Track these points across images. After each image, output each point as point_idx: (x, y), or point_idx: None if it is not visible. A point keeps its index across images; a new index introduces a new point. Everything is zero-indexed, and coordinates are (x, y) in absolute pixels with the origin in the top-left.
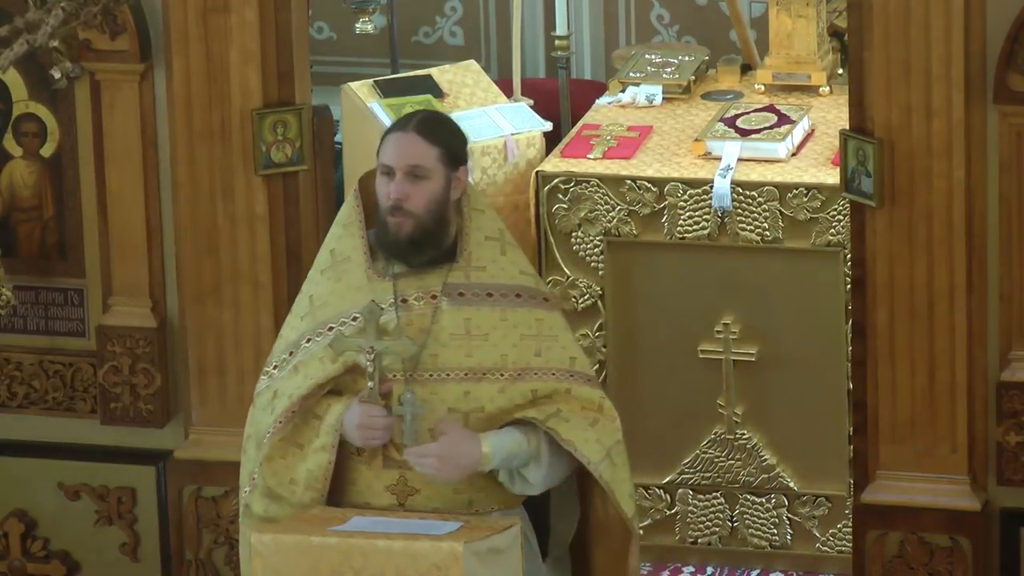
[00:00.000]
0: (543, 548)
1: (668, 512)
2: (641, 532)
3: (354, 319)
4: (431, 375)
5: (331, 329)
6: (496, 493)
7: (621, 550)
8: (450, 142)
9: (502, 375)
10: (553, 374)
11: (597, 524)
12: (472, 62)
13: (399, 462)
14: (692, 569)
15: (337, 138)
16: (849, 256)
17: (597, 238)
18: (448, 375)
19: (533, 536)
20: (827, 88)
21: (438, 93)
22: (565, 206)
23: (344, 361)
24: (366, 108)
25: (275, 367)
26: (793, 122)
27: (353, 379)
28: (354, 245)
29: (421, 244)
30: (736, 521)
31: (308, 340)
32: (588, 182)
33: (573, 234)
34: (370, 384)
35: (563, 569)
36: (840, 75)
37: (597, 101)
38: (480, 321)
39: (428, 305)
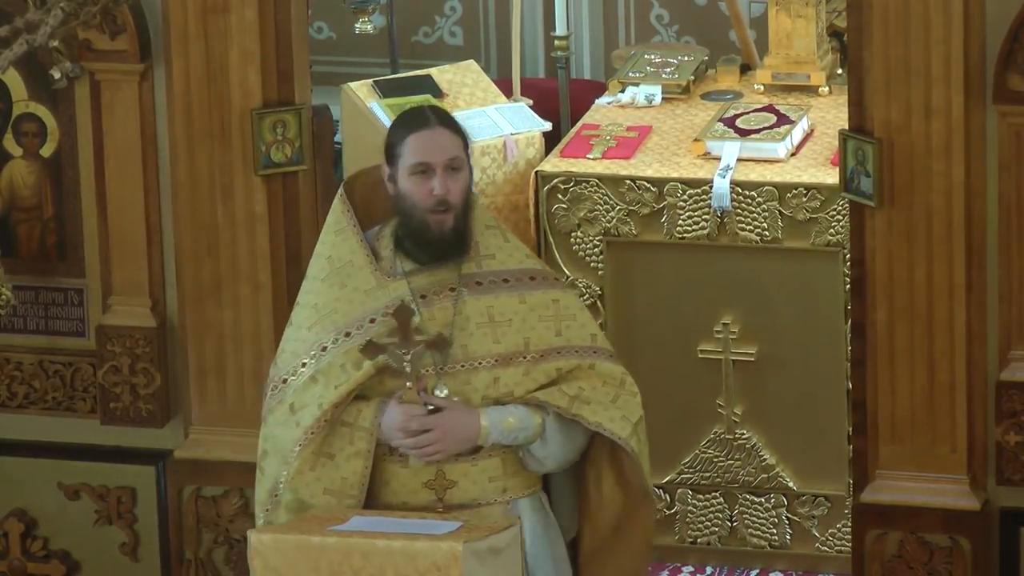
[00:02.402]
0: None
1: (667, 512)
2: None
3: (372, 321)
4: (462, 366)
5: (348, 335)
6: (527, 477)
7: (613, 531)
8: (464, 132)
9: (525, 358)
10: (576, 351)
11: (588, 506)
12: (472, 62)
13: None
14: (691, 569)
15: (337, 138)
16: (848, 256)
17: (597, 238)
18: (479, 364)
19: (553, 516)
20: (826, 88)
21: (438, 93)
22: (565, 206)
23: (375, 364)
24: (366, 108)
25: (284, 380)
26: (792, 122)
27: (379, 380)
28: (352, 249)
29: (462, 235)
30: (735, 521)
31: (324, 349)
32: (588, 182)
33: (573, 234)
34: (408, 384)
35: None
36: (839, 75)
37: (596, 101)
38: (502, 307)
39: (447, 298)
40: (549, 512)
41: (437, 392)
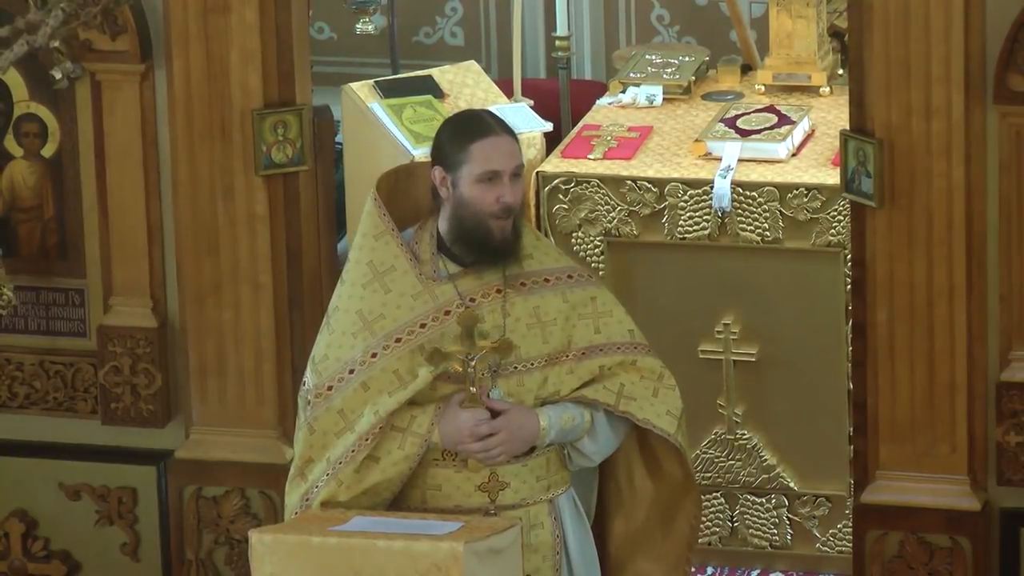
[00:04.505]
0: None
1: None
2: None
3: (422, 326)
4: (515, 367)
5: (398, 340)
6: (564, 475)
7: (653, 519)
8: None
9: (568, 356)
10: (619, 348)
11: (619, 497)
12: (472, 63)
13: None
14: (692, 569)
15: (338, 138)
16: (849, 256)
17: (597, 238)
18: (532, 364)
19: (581, 505)
20: (827, 88)
21: (438, 93)
22: (565, 206)
23: (432, 371)
24: (366, 108)
25: (329, 388)
26: (793, 122)
27: (431, 386)
28: (394, 254)
29: (519, 237)
30: (736, 521)
31: (374, 355)
32: (588, 182)
33: (573, 234)
34: (473, 389)
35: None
36: (840, 75)
37: (597, 101)
38: (547, 307)
39: (495, 300)
40: (580, 506)
41: (492, 395)
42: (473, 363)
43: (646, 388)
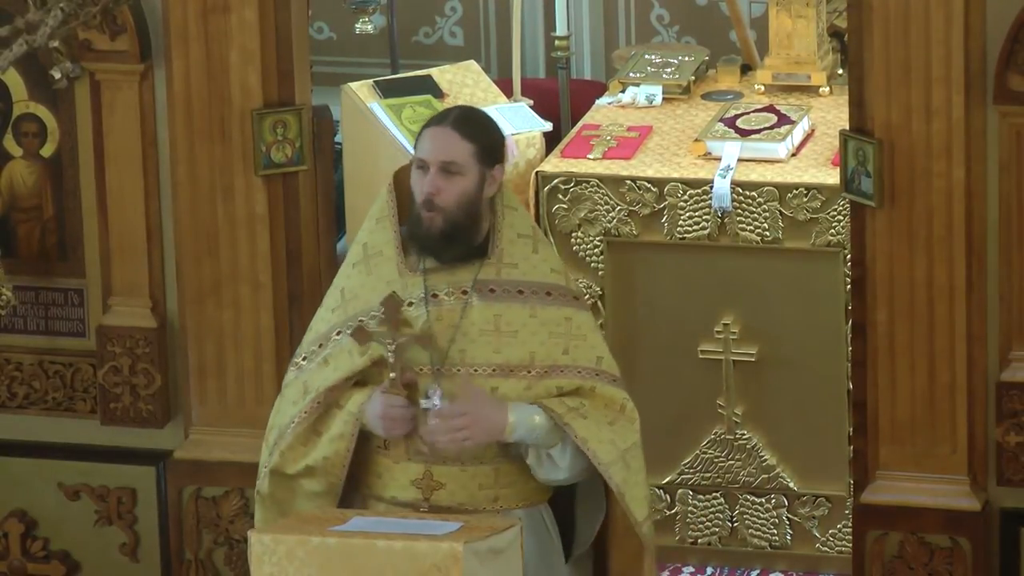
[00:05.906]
0: (567, 549)
1: (668, 512)
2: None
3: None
4: (459, 370)
5: (360, 323)
6: (522, 490)
7: (634, 556)
8: (486, 139)
9: (529, 372)
10: (579, 372)
11: (615, 526)
12: (472, 62)
13: (425, 456)
14: (692, 569)
15: (337, 138)
16: (849, 256)
17: (597, 238)
18: (476, 370)
19: (557, 535)
20: (827, 88)
21: (438, 93)
22: (565, 206)
23: (371, 354)
24: (366, 108)
25: (304, 359)
26: (793, 122)
27: (379, 371)
28: (387, 239)
29: (452, 239)
30: (736, 521)
31: (338, 333)
32: (588, 182)
33: (573, 234)
34: (392, 375)
35: (584, 569)
36: (840, 75)
37: (597, 101)
38: (510, 318)
39: (458, 300)
40: (550, 529)
41: (430, 392)
42: (392, 348)
43: (605, 416)
